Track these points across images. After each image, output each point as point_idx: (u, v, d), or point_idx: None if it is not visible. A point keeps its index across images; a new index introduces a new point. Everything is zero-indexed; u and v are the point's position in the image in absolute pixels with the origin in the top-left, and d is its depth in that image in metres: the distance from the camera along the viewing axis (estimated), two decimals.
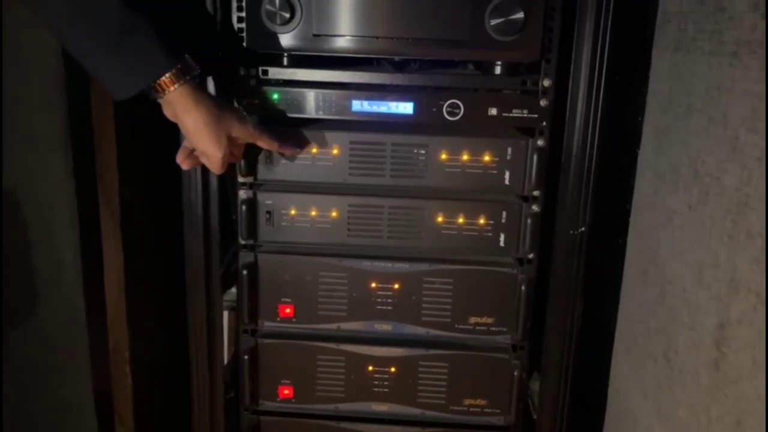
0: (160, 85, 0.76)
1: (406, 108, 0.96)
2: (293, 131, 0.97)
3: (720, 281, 0.63)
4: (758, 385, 0.55)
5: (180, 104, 0.78)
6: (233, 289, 1.10)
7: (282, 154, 0.97)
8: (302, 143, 0.97)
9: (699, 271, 0.67)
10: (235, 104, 0.95)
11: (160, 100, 0.79)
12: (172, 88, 0.76)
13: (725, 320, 0.61)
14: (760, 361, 0.55)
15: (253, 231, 1.00)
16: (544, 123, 0.95)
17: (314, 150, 0.98)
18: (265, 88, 0.95)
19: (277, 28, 0.91)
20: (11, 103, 0.83)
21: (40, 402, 0.95)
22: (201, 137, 0.81)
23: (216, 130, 0.81)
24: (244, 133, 0.87)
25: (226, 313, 1.09)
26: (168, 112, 0.81)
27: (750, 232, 0.57)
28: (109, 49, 0.72)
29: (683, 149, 0.73)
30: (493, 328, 1.03)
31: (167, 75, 0.75)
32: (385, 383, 1.05)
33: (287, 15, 0.89)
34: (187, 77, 0.77)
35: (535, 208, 0.98)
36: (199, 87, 0.80)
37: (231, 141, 0.85)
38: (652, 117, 0.87)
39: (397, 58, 0.98)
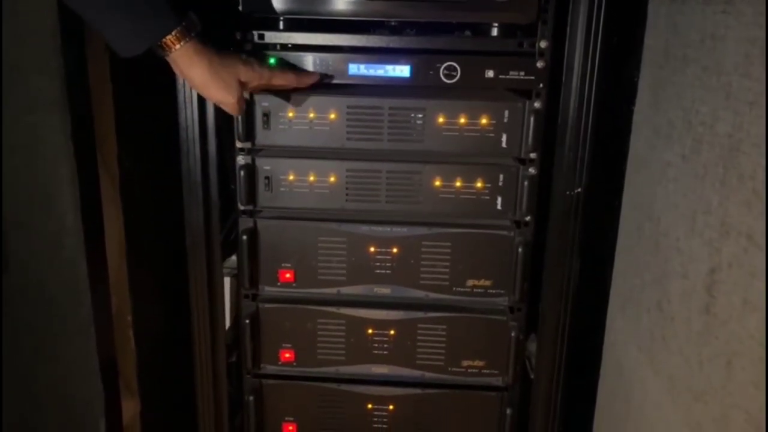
0: (165, 43, 0.78)
1: (402, 71, 0.96)
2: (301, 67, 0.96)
3: (712, 227, 0.63)
4: (748, 324, 0.57)
5: (183, 60, 0.80)
6: (234, 257, 1.11)
7: (296, 90, 0.95)
8: (315, 75, 0.95)
9: (692, 220, 0.68)
10: None
11: (166, 58, 0.81)
12: (177, 46, 0.78)
13: (716, 265, 0.62)
14: (750, 301, 0.56)
15: (252, 197, 1.01)
16: (541, 85, 0.95)
17: (311, 115, 0.98)
18: (262, 53, 0.95)
19: None
20: (8, 66, 0.83)
21: (45, 366, 0.96)
22: (210, 88, 0.83)
23: (223, 77, 0.83)
24: (252, 74, 0.87)
25: (227, 279, 1.11)
26: (176, 70, 0.83)
27: (741, 176, 0.58)
28: (117, 7, 0.73)
29: (678, 101, 0.74)
30: (491, 291, 1.04)
31: (173, 33, 0.77)
32: (385, 346, 1.07)
33: None
34: (192, 34, 0.79)
35: (532, 170, 0.99)
36: (201, 41, 0.81)
37: (242, 85, 0.86)
38: (648, 72, 0.87)
39: (393, 21, 0.98)
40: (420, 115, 0.98)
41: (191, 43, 0.79)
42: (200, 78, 0.82)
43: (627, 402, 0.91)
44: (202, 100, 0.97)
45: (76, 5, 0.75)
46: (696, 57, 0.69)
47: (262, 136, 0.99)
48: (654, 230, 0.80)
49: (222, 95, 0.85)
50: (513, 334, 1.04)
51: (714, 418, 0.63)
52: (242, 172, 1.00)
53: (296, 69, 0.93)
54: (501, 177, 1.00)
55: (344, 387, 1.09)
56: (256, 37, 0.95)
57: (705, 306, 0.64)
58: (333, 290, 1.05)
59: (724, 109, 0.62)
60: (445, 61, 0.95)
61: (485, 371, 1.07)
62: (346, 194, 1.02)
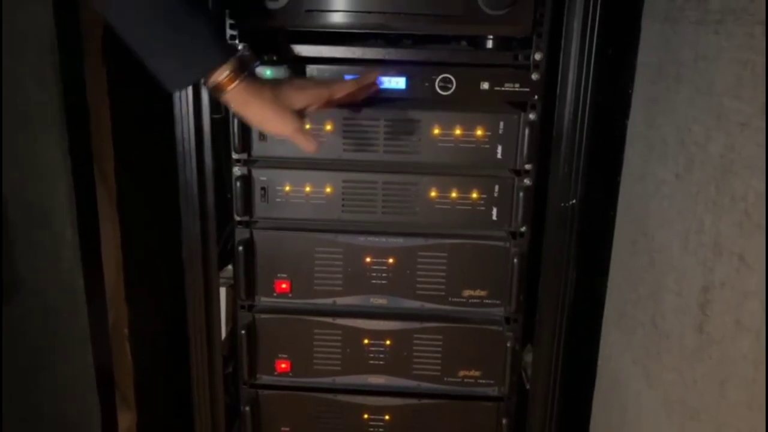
0: (220, 85, 0.78)
1: (398, 83, 0.97)
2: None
3: (705, 246, 0.64)
4: (741, 345, 0.57)
5: (238, 100, 0.80)
6: (230, 266, 1.12)
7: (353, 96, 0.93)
8: (371, 78, 0.94)
9: (685, 238, 0.69)
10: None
11: (222, 98, 0.81)
12: (230, 87, 0.79)
13: (709, 283, 0.63)
14: (743, 322, 0.57)
15: (248, 207, 1.01)
16: (536, 97, 0.96)
17: (307, 126, 0.98)
18: (258, 65, 0.95)
19: (269, 4, 0.91)
20: (6, 81, 0.83)
21: (42, 378, 0.96)
22: (267, 124, 0.85)
23: (279, 113, 0.83)
24: (309, 98, 0.86)
25: (223, 290, 1.11)
26: (232, 107, 0.84)
27: (733, 197, 0.58)
28: (160, 43, 0.74)
29: (671, 119, 0.74)
30: (487, 301, 1.05)
31: (225, 75, 0.78)
32: (381, 356, 1.07)
33: None
34: (245, 74, 0.79)
35: (527, 181, 0.99)
36: (253, 80, 0.81)
37: (301, 111, 0.86)
38: (642, 88, 0.88)
39: (390, 34, 0.99)
40: (416, 127, 0.98)
41: (244, 83, 0.79)
42: (258, 117, 0.83)
43: (622, 414, 0.91)
44: (198, 113, 0.97)
45: (126, 35, 0.75)
46: (689, 76, 0.69)
47: (258, 147, 1.00)
48: (648, 246, 0.81)
49: (279, 129, 0.85)
50: (509, 345, 1.04)
51: None
52: (238, 183, 1.00)
53: (350, 82, 0.92)
54: (496, 188, 1.01)
55: (340, 397, 1.10)
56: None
57: (699, 324, 0.65)
58: (329, 300, 1.06)
59: (716, 129, 0.62)
60: (441, 73, 0.96)
61: (481, 381, 1.08)
62: (343, 205, 1.02)
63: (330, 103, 0.89)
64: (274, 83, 0.85)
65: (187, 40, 0.75)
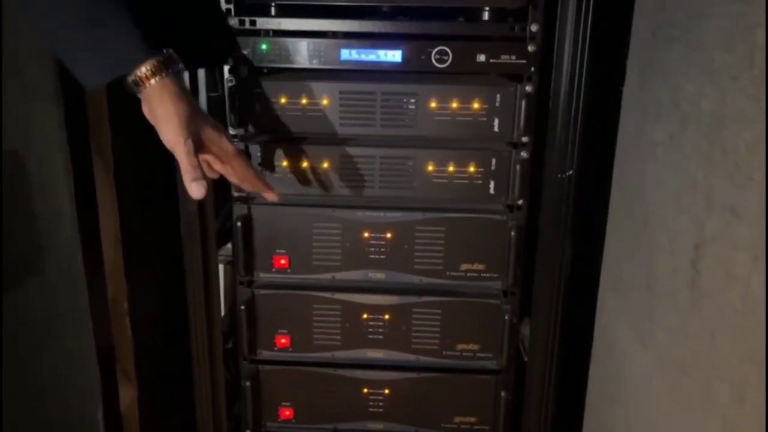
0: (140, 78, 0.73)
1: (394, 56, 0.97)
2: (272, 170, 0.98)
3: (697, 203, 0.64)
4: (731, 296, 0.57)
5: (156, 95, 0.74)
6: (228, 245, 1.12)
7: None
8: (272, 192, 0.92)
9: (679, 197, 0.69)
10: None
11: (139, 95, 0.76)
12: (151, 81, 0.73)
13: (701, 240, 0.63)
14: (733, 273, 0.57)
15: None
16: (532, 69, 0.95)
17: (304, 101, 0.99)
18: (254, 39, 0.96)
19: None
20: (3, 55, 0.83)
21: (44, 354, 0.97)
22: (169, 125, 0.76)
23: (186, 122, 0.76)
24: (216, 140, 0.81)
25: (222, 266, 1.11)
26: (146, 109, 0.77)
27: (724, 149, 0.58)
28: (78, 38, 0.71)
29: (665, 80, 0.74)
30: (485, 275, 1.05)
31: (146, 68, 0.73)
32: (380, 330, 1.08)
33: None
34: (169, 71, 0.75)
35: (524, 154, 0.99)
36: (181, 83, 0.77)
37: (202, 147, 0.80)
38: (636, 52, 0.87)
39: (385, 6, 0.99)
40: (412, 100, 0.99)
41: (167, 80, 0.74)
42: (165, 113, 0.75)
43: (618, 380, 0.91)
44: (194, 87, 0.97)
45: (41, 34, 0.73)
46: (681, 35, 0.69)
47: (255, 122, 1.00)
48: (643, 209, 0.81)
49: (173, 140, 0.76)
50: (507, 318, 1.04)
51: (699, 391, 0.64)
52: None
53: (258, 174, 0.90)
54: (493, 161, 1.01)
55: (340, 372, 1.10)
56: (248, 23, 0.96)
57: (690, 281, 0.65)
58: (328, 276, 1.06)
59: (708, 85, 0.62)
60: (437, 46, 0.96)
61: (480, 355, 1.08)
62: (340, 180, 1.02)
63: (222, 164, 0.85)
64: (196, 103, 0.80)
65: (108, 36, 0.71)
